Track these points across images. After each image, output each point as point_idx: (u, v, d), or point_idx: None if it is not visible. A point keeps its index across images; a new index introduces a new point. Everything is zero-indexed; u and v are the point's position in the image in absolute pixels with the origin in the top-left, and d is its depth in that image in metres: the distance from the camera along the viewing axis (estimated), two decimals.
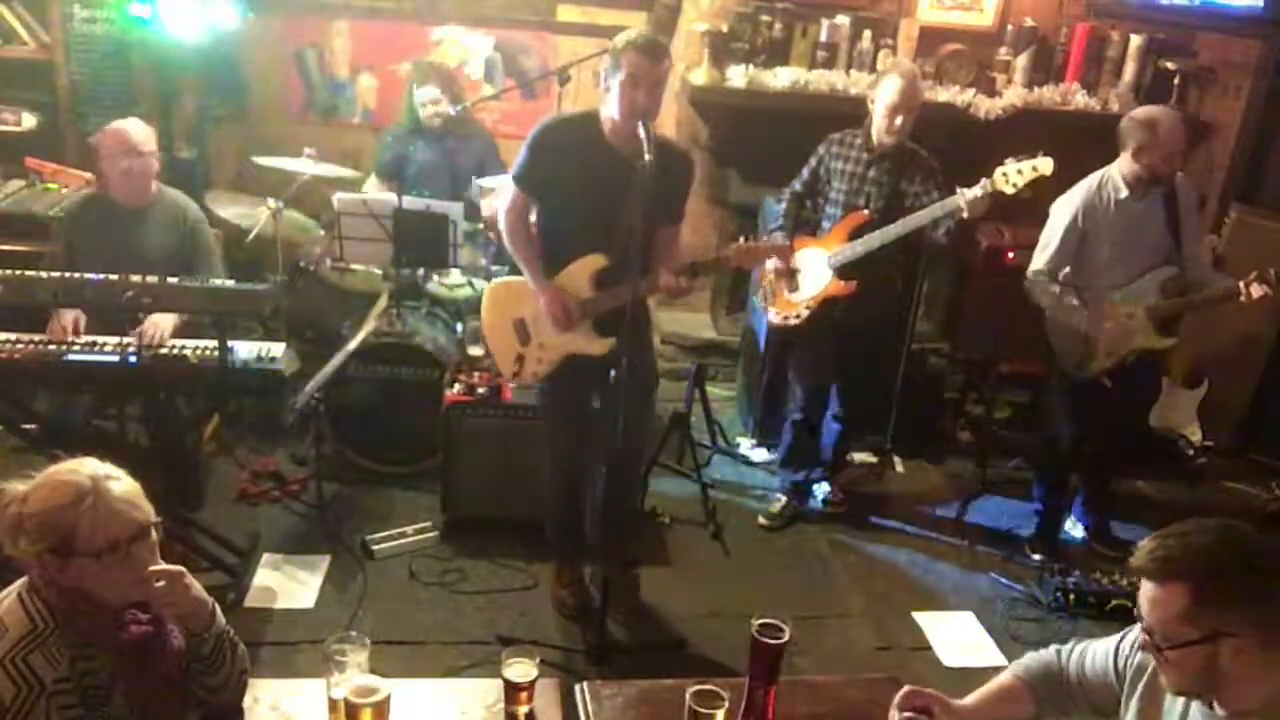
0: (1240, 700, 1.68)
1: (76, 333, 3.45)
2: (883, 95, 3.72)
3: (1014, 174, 3.53)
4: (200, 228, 3.82)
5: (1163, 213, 3.72)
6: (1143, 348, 3.78)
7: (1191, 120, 4.67)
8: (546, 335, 3.30)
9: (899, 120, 3.70)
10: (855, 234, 3.80)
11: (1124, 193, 3.71)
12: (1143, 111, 3.69)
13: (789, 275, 3.98)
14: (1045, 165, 3.51)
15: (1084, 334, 3.78)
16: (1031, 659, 2.11)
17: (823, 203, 3.96)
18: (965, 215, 3.59)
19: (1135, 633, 1.92)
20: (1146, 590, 1.67)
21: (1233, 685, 1.66)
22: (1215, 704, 1.72)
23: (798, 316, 3.98)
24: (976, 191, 3.54)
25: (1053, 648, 2.10)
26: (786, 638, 2.01)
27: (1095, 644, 2.04)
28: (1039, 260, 3.84)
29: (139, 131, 3.62)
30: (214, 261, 3.84)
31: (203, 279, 3.51)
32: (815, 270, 3.91)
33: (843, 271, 3.83)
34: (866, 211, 3.79)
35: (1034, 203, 3.90)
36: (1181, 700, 1.79)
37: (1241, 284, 3.57)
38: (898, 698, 1.98)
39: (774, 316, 4.08)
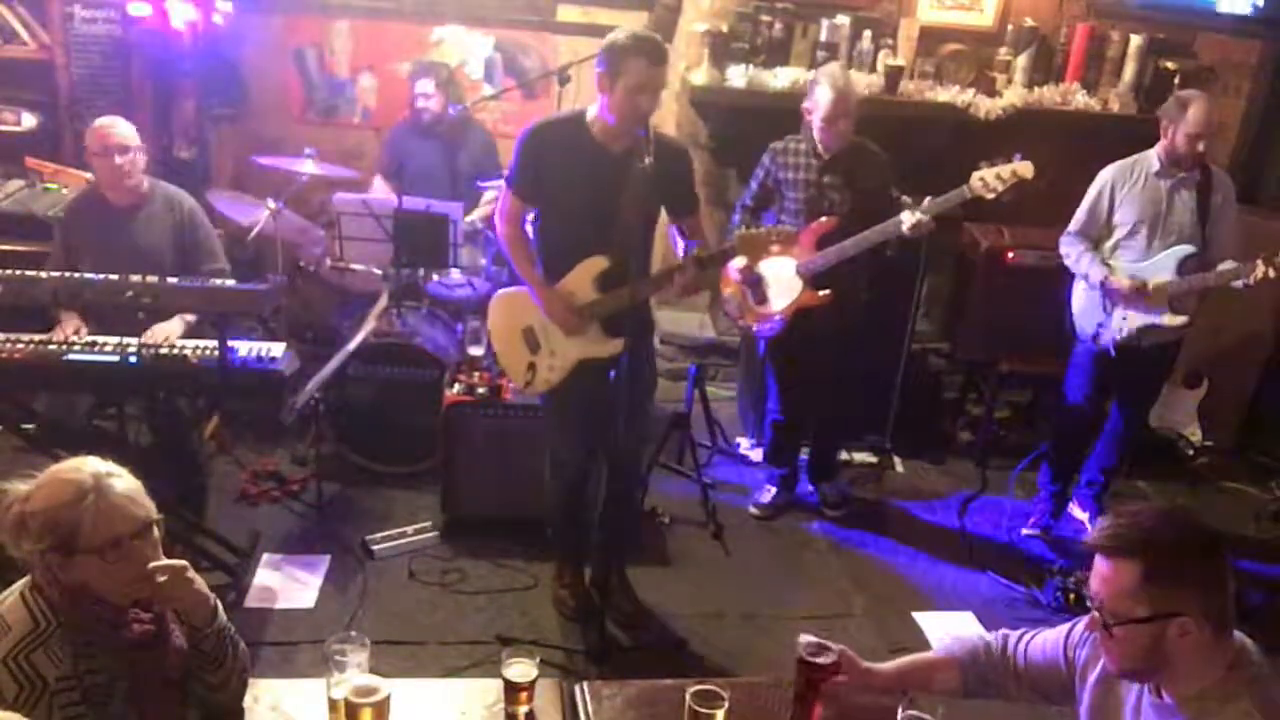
0: (1184, 686, 1.70)
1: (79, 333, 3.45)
2: (819, 106, 3.70)
3: (992, 179, 3.55)
4: (196, 218, 3.80)
5: (1193, 198, 3.77)
6: (1157, 324, 3.80)
7: None
8: (557, 342, 3.27)
9: (839, 125, 3.69)
10: (822, 242, 3.78)
11: (1155, 168, 3.78)
12: (1185, 92, 3.79)
13: (754, 285, 3.97)
14: (1025, 169, 3.53)
15: (1102, 303, 3.82)
16: (967, 638, 2.15)
17: (777, 213, 3.92)
18: (907, 235, 3.63)
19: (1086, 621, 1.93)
20: (1099, 567, 1.70)
21: (1178, 670, 1.68)
22: (1163, 691, 1.74)
23: (770, 327, 3.98)
24: (919, 216, 3.57)
25: (1001, 632, 2.12)
26: (835, 658, 2.01)
27: (1046, 631, 2.06)
28: (1072, 223, 3.95)
29: (119, 129, 3.57)
30: (215, 250, 3.82)
31: (205, 275, 3.52)
32: (784, 280, 3.89)
33: (814, 281, 3.83)
34: (830, 219, 3.76)
35: (1036, 202, 3.92)
36: (1134, 692, 1.80)
37: (1253, 266, 3.60)
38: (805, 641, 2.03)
39: (748, 327, 4.09)
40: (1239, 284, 3.67)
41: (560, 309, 3.18)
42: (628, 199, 2.99)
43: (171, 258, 3.67)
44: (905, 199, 3.76)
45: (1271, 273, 3.57)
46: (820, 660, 2.01)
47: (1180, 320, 3.82)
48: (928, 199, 3.65)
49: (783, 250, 3.71)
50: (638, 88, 2.92)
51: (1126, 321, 3.82)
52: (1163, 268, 3.78)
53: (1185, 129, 3.65)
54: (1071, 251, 3.92)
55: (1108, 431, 4.18)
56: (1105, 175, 3.88)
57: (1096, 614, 1.72)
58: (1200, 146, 3.68)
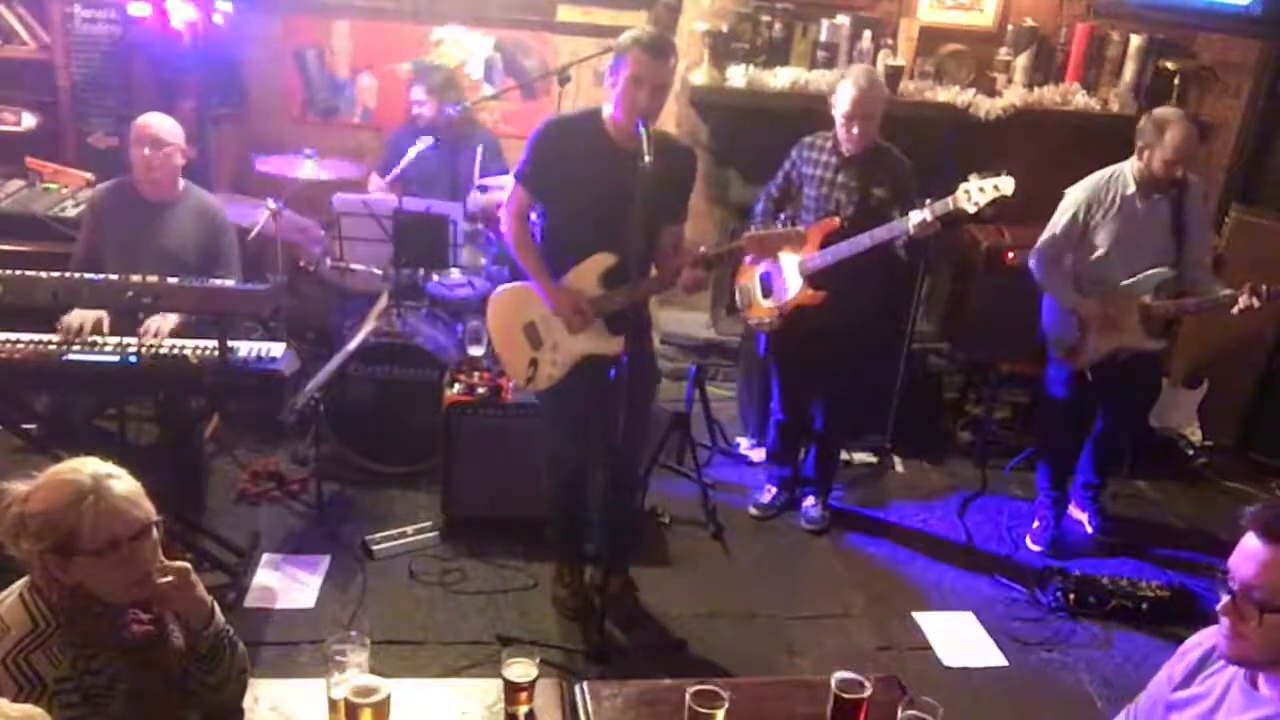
0: None
1: (81, 332, 3.43)
2: (839, 104, 3.67)
3: (976, 192, 3.51)
4: (225, 229, 3.88)
5: (1168, 214, 3.74)
6: (1131, 347, 3.79)
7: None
8: (560, 336, 3.25)
9: (856, 128, 3.66)
10: (827, 242, 3.77)
11: (1130, 188, 3.74)
12: (1160, 112, 3.70)
13: (765, 279, 3.97)
14: (1006, 185, 3.49)
15: (1074, 321, 3.81)
16: None
17: (797, 208, 3.91)
18: (912, 235, 3.59)
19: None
20: (1262, 554, 1.67)
21: None
22: (1261, 683, 1.75)
23: (770, 323, 3.98)
24: (925, 215, 3.52)
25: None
26: (868, 692, 2.02)
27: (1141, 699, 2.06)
28: (1044, 242, 3.90)
29: (162, 124, 3.69)
30: (233, 262, 3.88)
31: (208, 280, 3.55)
32: (788, 276, 3.89)
33: (813, 280, 3.82)
34: (833, 220, 3.75)
35: (1035, 203, 3.90)
36: (1221, 683, 1.82)
37: (1237, 295, 3.58)
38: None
39: (749, 320, 4.09)
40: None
41: (567, 305, 3.17)
42: (637, 196, 2.97)
43: (194, 261, 3.74)
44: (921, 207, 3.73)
45: (1256, 302, 3.54)
46: (854, 696, 2.02)
47: (1159, 344, 3.81)
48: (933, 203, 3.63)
49: (791, 250, 3.73)
50: (635, 79, 2.93)
51: (1101, 344, 3.80)
52: (1140, 290, 3.76)
53: (1163, 154, 3.59)
54: (1044, 275, 3.88)
55: (1101, 436, 4.17)
56: (1078, 197, 3.81)
57: (1236, 600, 1.70)
58: (1177, 172, 3.65)
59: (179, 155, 3.73)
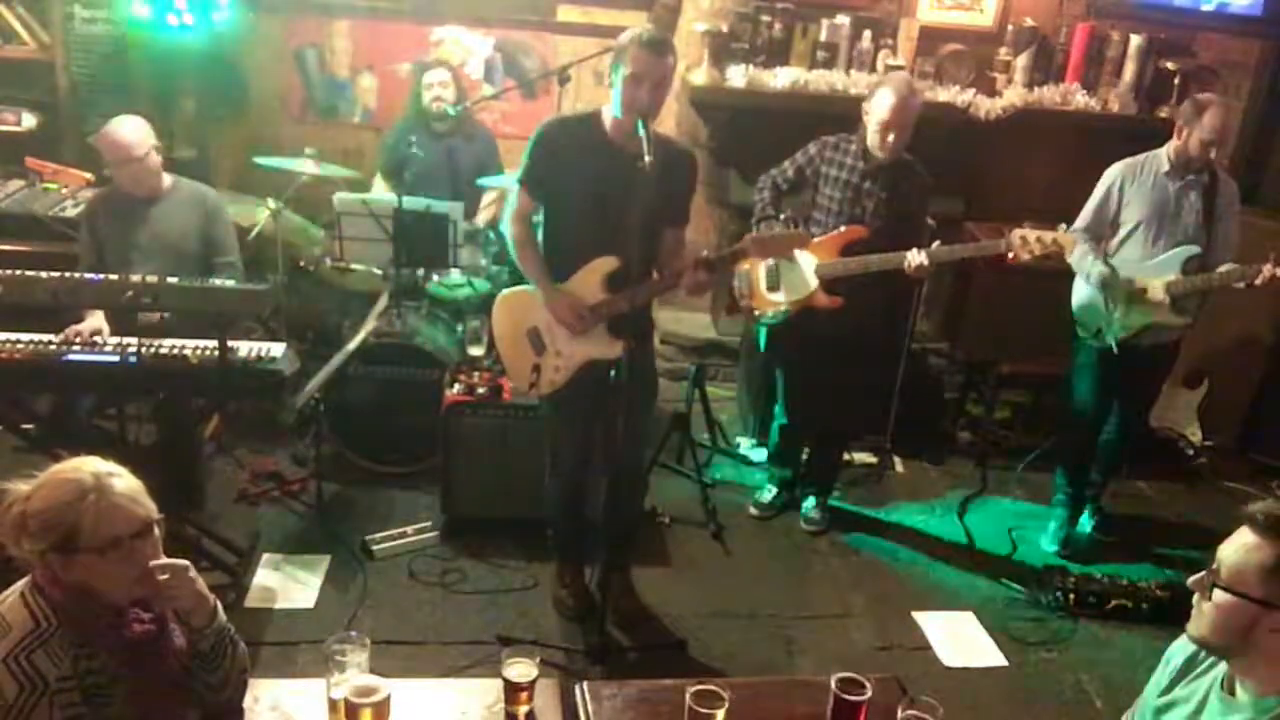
0: (1265, 684, 1.73)
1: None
2: (876, 111, 3.64)
3: (1033, 239, 3.52)
4: (220, 213, 3.88)
5: (1200, 201, 3.78)
6: (1157, 323, 3.81)
7: None
8: (563, 343, 3.24)
9: (891, 137, 3.63)
10: (848, 249, 3.76)
11: (1165, 167, 3.80)
12: (1203, 95, 3.78)
13: (769, 270, 3.95)
14: (1066, 241, 3.53)
15: (1103, 300, 3.83)
16: None
17: (800, 203, 3.89)
18: (907, 272, 3.63)
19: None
20: (1243, 537, 1.73)
21: (1259, 666, 1.73)
22: (1237, 687, 1.77)
23: (771, 315, 3.96)
24: (922, 259, 3.58)
25: None
26: (868, 693, 2.03)
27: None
28: (1079, 219, 3.94)
29: (132, 134, 3.62)
30: (231, 245, 3.89)
31: (218, 268, 3.63)
32: (800, 274, 3.87)
33: (828, 284, 3.81)
34: (861, 228, 3.73)
35: (1036, 203, 3.92)
36: (1202, 689, 1.85)
37: (1261, 266, 3.60)
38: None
39: (751, 309, 4.07)
40: (1241, 284, 3.67)
41: (567, 310, 3.17)
42: (638, 198, 2.97)
43: (195, 248, 3.77)
44: (930, 222, 3.74)
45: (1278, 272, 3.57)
46: (854, 696, 2.02)
47: (1183, 320, 3.82)
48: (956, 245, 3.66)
49: (797, 248, 3.72)
50: (634, 76, 2.93)
51: (1128, 320, 3.82)
52: (1167, 267, 3.78)
53: (1200, 134, 3.65)
54: (1075, 249, 3.91)
55: (1107, 432, 4.17)
56: (1114, 172, 3.88)
57: (1206, 575, 1.75)
58: (1212, 153, 3.69)
59: (154, 154, 3.69)
